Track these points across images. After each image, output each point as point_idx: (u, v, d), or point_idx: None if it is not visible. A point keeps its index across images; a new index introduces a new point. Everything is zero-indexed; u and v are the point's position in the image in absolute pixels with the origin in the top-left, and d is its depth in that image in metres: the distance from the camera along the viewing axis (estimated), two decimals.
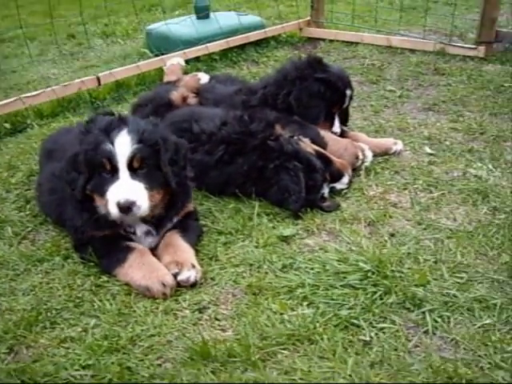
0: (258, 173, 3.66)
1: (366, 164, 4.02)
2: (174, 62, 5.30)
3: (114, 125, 3.05)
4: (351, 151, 4.03)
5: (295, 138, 3.76)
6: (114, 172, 2.98)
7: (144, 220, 3.15)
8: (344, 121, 4.40)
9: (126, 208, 2.94)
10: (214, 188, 3.79)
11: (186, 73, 5.31)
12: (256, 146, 3.70)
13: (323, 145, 3.94)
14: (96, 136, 3.03)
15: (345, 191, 3.81)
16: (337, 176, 3.78)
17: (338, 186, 3.80)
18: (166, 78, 5.20)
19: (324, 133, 4.06)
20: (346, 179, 3.82)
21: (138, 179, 2.99)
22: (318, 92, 4.16)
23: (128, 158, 2.97)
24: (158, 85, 5.18)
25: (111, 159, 2.97)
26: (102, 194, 3.02)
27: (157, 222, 3.20)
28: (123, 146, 2.97)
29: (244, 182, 3.69)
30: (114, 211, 2.97)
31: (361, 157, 4.01)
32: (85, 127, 3.18)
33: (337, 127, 4.24)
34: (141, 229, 3.19)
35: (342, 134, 4.28)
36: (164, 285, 2.90)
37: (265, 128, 3.80)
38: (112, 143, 2.97)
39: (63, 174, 3.19)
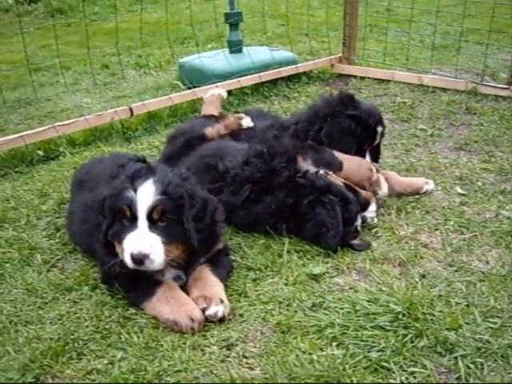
0: (288, 210, 3.64)
1: (381, 194, 4.00)
2: (215, 92, 5.26)
3: (141, 173, 3.04)
4: (365, 166, 4.07)
5: (322, 171, 3.76)
6: (133, 221, 2.95)
7: (171, 265, 3.12)
8: (375, 158, 4.39)
9: (139, 260, 2.90)
10: (243, 227, 3.78)
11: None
12: (282, 184, 3.69)
13: (339, 165, 3.94)
14: (121, 182, 3.03)
15: (375, 229, 3.77)
16: (364, 205, 3.78)
17: (368, 214, 3.81)
18: (204, 108, 5.19)
19: (337, 153, 4.05)
20: (373, 207, 3.83)
21: (156, 231, 2.94)
22: (349, 128, 4.18)
23: (148, 208, 2.92)
24: (195, 118, 5.19)
25: (131, 207, 2.94)
26: (120, 241, 3.00)
27: (184, 267, 3.17)
28: (145, 195, 2.94)
29: (274, 221, 3.68)
30: (128, 261, 2.94)
31: (375, 171, 4.03)
32: (115, 172, 3.19)
33: None
34: (169, 273, 3.15)
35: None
36: (192, 319, 2.88)
37: (287, 163, 3.78)
38: (135, 191, 2.94)
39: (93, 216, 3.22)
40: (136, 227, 2.93)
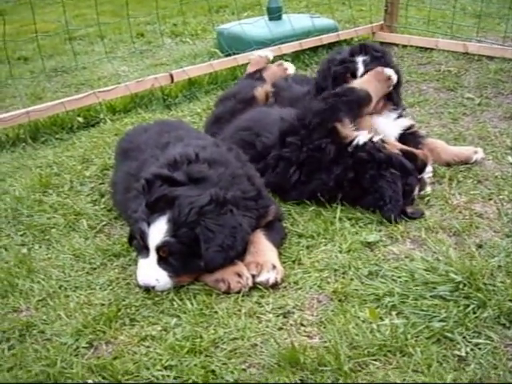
0: (349, 184, 3.56)
1: (429, 175, 3.83)
2: (262, 54, 5.19)
3: (159, 206, 2.90)
4: (383, 77, 4.08)
5: (378, 140, 3.64)
6: (146, 249, 2.93)
7: None
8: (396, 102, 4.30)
9: (146, 287, 2.93)
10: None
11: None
12: (333, 160, 3.59)
13: (368, 97, 3.95)
14: (140, 212, 2.95)
15: (427, 198, 3.66)
16: (421, 167, 3.69)
17: (425, 175, 3.72)
18: (249, 68, 5.12)
19: (355, 82, 4.07)
20: (430, 168, 3.75)
21: (163, 266, 2.90)
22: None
23: (157, 246, 2.88)
24: (242, 79, 5.10)
25: (143, 239, 2.91)
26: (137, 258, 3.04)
27: None
28: (156, 233, 2.87)
29: (333, 196, 3.59)
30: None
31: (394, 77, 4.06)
32: (140, 188, 3.03)
33: None
34: None
35: (421, 142, 4.14)
36: (239, 275, 2.85)
37: (327, 136, 3.66)
38: (148, 225, 2.89)
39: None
40: (147, 256, 2.92)
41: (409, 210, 3.50)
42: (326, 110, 3.77)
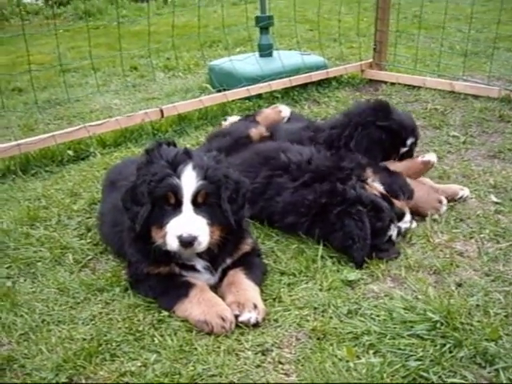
0: (319, 209, 3.61)
1: (407, 225, 3.83)
2: (232, 121, 5.15)
3: (180, 158, 3.03)
4: (434, 197, 4.03)
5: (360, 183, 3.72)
6: (177, 205, 2.96)
7: (199, 255, 3.13)
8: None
9: (188, 243, 2.92)
10: (279, 211, 3.76)
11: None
12: (339, 179, 3.69)
13: (411, 193, 3.90)
14: (161, 168, 3.01)
15: (409, 236, 3.71)
16: (399, 215, 3.71)
17: (403, 225, 3.73)
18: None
19: (409, 180, 4.03)
20: (408, 217, 3.77)
21: (201, 214, 2.97)
22: (379, 139, 4.19)
23: (193, 193, 2.95)
24: (234, 122, 5.10)
25: (177, 193, 2.95)
26: (162, 225, 2.99)
27: (211, 259, 3.16)
28: (189, 180, 2.95)
29: (305, 213, 3.65)
30: (173, 244, 2.95)
31: (444, 202, 3.98)
32: (148, 156, 3.14)
33: None
34: (200, 264, 3.16)
35: None
36: (223, 319, 2.86)
37: (355, 167, 3.80)
38: (179, 177, 2.95)
39: (122, 206, 3.17)
40: (180, 211, 2.95)
41: (383, 254, 3.53)
42: (372, 163, 4.00)
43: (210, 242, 3.01)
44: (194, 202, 2.97)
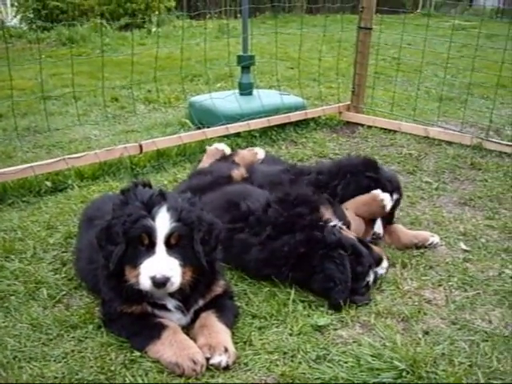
0: (297, 258, 3.66)
1: (383, 271, 3.90)
2: (219, 147, 5.24)
3: (154, 200, 3.09)
4: (369, 231, 4.20)
5: (336, 225, 3.79)
6: (150, 246, 3.02)
7: (171, 295, 3.17)
8: (389, 221, 4.41)
9: (161, 283, 2.97)
10: (253, 266, 3.79)
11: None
12: (304, 227, 3.73)
13: (347, 224, 3.99)
14: (136, 209, 3.07)
15: (379, 282, 3.78)
16: (377, 261, 3.80)
17: (380, 270, 3.81)
18: (204, 159, 5.21)
19: (346, 211, 4.13)
20: (385, 263, 3.86)
21: (173, 256, 3.03)
22: (366, 188, 4.25)
23: (166, 235, 3.01)
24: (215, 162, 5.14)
25: (151, 235, 3.01)
26: (135, 266, 3.04)
27: (183, 298, 3.21)
28: (163, 222, 3.01)
29: (283, 263, 3.69)
30: (146, 284, 3.00)
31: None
32: (123, 197, 3.21)
33: (379, 227, 4.28)
34: (171, 303, 3.20)
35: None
36: (195, 362, 2.89)
37: (311, 211, 3.84)
38: (153, 219, 3.01)
39: (97, 245, 3.22)
40: (154, 252, 3.00)
41: (356, 297, 3.60)
42: (318, 195, 4.03)
43: (181, 283, 3.06)
44: (167, 244, 3.02)
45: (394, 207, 4.39)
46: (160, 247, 3.01)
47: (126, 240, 3.06)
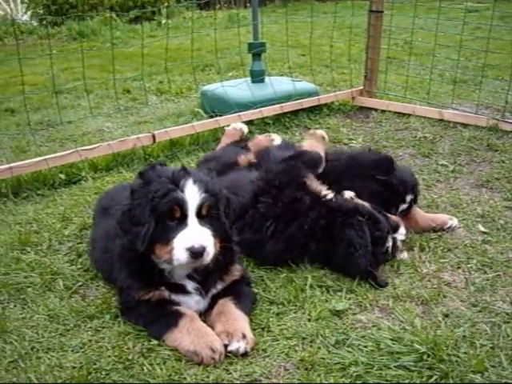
0: (320, 231, 3.68)
1: (402, 237, 3.90)
2: (237, 126, 5.27)
3: (179, 175, 3.10)
4: None
5: (350, 195, 3.79)
6: (182, 219, 3.02)
7: (190, 277, 3.17)
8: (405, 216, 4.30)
9: (199, 253, 2.97)
10: (272, 258, 3.76)
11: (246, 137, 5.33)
12: (310, 208, 3.72)
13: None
14: (163, 184, 3.06)
15: (397, 265, 3.75)
16: (394, 227, 3.80)
17: (399, 236, 3.82)
18: (223, 139, 5.25)
19: None
20: (403, 229, 3.86)
21: (205, 226, 3.05)
22: (379, 193, 4.14)
23: (197, 205, 3.02)
24: (225, 146, 5.17)
25: (182, 206, 3.01)
26: (168, 241, 3.02)
27: (202, 280, 3.20)
28: (193, 194, 3.02)
29: (306, 249, 3.70)
30: (182, 257, 2.98)
31: None
32: (143, 178, 3.18)
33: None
34: (191, 285, 3.20)
35: None
36: (213, 350, 2.87)
37: (301, 190, 3.82)
38: (182, 191, 3.02)
39: (119, 229, 3.20)
40: (186, 225, 3.01)
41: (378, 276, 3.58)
42: (290, 170, 3.95)
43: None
44: (199, 215, 3.04)
45: (409, 206, 4.27)
46: (192, 219, 3.01)
47: (156, 217, 3.04)
